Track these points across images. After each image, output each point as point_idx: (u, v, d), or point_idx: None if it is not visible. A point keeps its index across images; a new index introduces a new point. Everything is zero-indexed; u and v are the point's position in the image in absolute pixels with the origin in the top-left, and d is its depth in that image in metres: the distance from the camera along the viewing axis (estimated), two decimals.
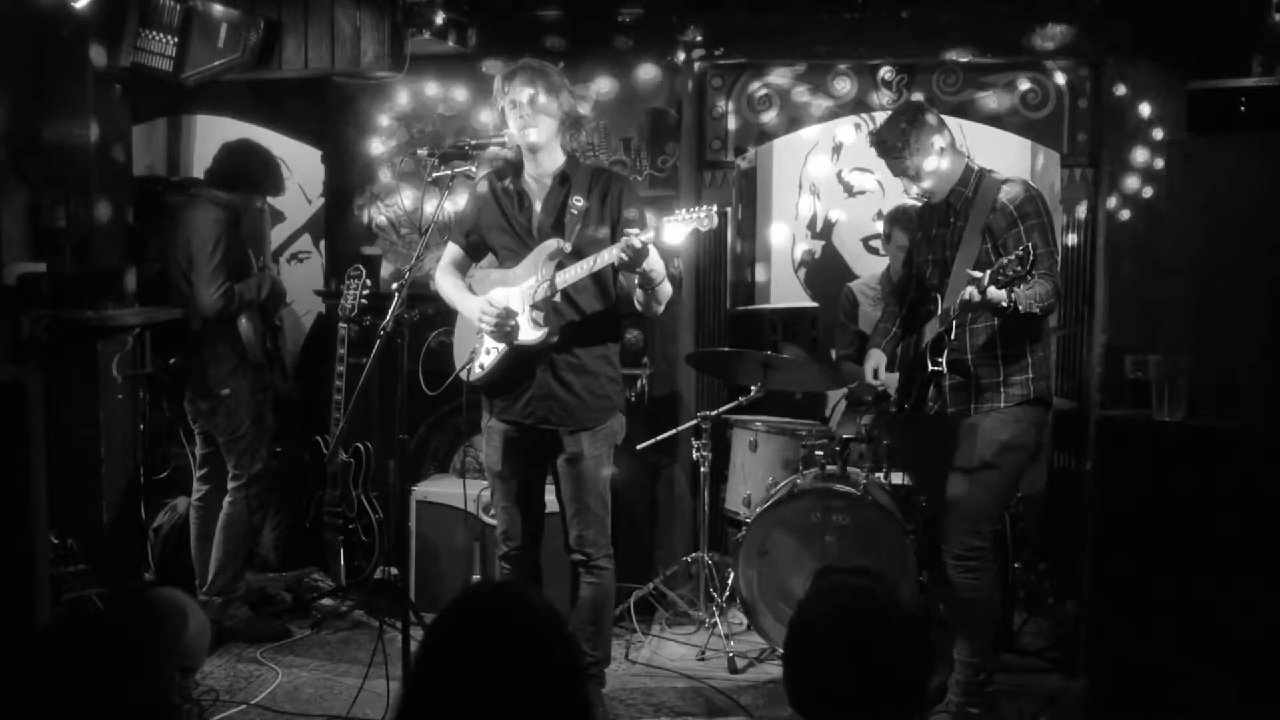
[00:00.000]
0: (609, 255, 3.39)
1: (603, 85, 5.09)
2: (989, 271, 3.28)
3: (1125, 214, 4.81)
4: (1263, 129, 3.63)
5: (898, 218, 5.05)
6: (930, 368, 3.63)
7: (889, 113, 3.87)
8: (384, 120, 5.34)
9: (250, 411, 4.59)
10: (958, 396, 3.68)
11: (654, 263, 3.40)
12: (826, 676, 1.91)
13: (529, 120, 3.54)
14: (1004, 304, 3.28)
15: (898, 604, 1.98)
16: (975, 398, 3.65)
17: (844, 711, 1.89)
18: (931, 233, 3.80)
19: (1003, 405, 3.62)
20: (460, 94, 5.23)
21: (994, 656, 3.85)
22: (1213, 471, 3.52)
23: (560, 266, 3.52)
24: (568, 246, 3.54)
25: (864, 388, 4.93)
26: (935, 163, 3.64)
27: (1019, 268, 3.22)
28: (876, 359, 3.93)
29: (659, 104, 5.09)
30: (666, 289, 3.57)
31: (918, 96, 4.90)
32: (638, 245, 3.28)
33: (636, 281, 3.49)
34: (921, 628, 2.00)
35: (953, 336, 3.57)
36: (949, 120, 3.82)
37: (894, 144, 3.64)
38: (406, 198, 5.34)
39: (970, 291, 3.30)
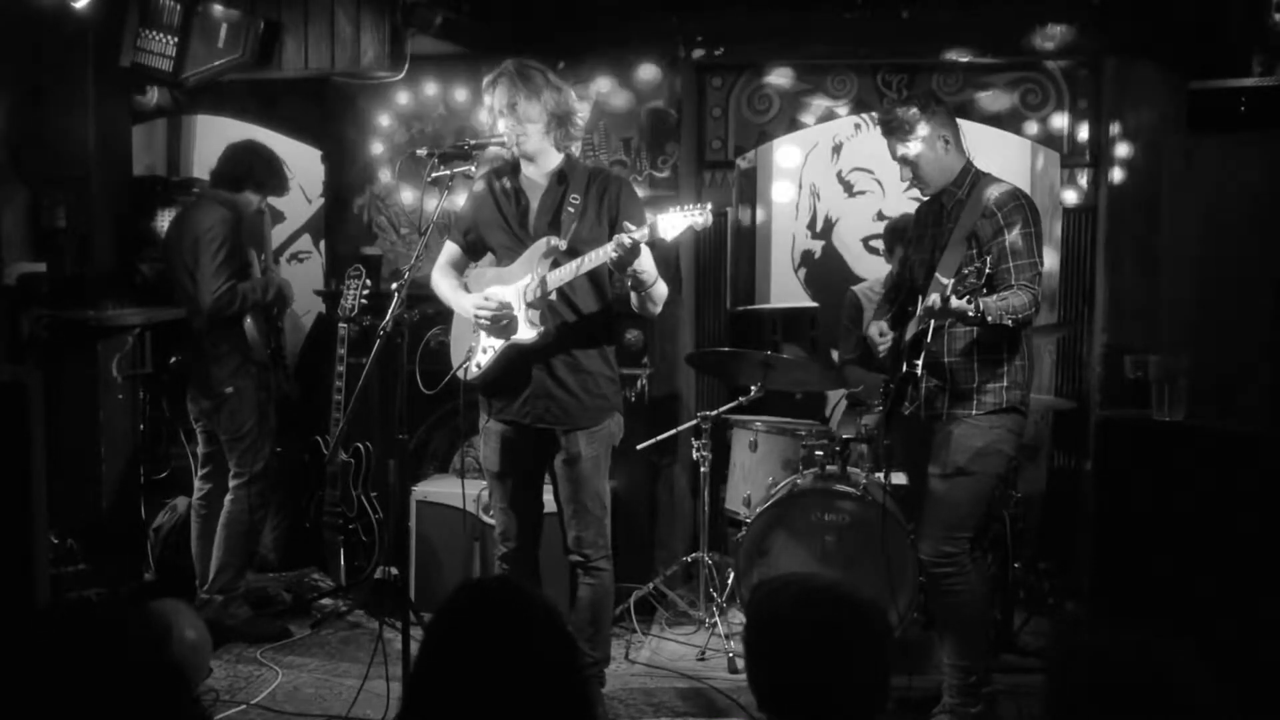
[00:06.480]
0: (602, 254, 3.37)
1: (603, 85, 5.09)
2: (951, 281, 3.30)
3: (1125, 214, 4.81)
4: (1263, 129, 3.63)
5: (897, 234, 4.99)
6: (906, 368, 3.62)
7: (900, 99, 3.87)
8: (384, 120, 5.35)
9: (254, 410, 4.59)
10: (932, 400, 3.66)
11: (645, 263, 3.39)
12: (787, 668, 1.93)
13: (514, 127, 3.54)
14: (971, 313, 3.28)
15: (845, 591, 2.00)
16: (949, 402, 3.63)
17: (807, 707, 1.90)
18: (926, 232, 3.79)
19: (974, 413, 3.60)
20: (460, 94, 5.23)
21: (985, 657, 3.82)
22: (1213, 471, 3.52)
23: (555, 265, 3.51)
24: (562, 245, 3.52)
25: (869, 391, 4.93)
26: (936, 154, 3.63)
27: (975, 280, 3.25)
28: (879, 326, 3.87)
29: (659, 104, 5.09)
30: (661, 289, 3.55)
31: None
32: (628, 244, 3.26)
33: (628, 284, 3.48)
34: (876, 615, 2.01)
35: (930, 340, 3.54)
36: None
37: (900, 125, 3.63)
38: (406, 198, 5.34)
39: (934, 298, 3.32)
